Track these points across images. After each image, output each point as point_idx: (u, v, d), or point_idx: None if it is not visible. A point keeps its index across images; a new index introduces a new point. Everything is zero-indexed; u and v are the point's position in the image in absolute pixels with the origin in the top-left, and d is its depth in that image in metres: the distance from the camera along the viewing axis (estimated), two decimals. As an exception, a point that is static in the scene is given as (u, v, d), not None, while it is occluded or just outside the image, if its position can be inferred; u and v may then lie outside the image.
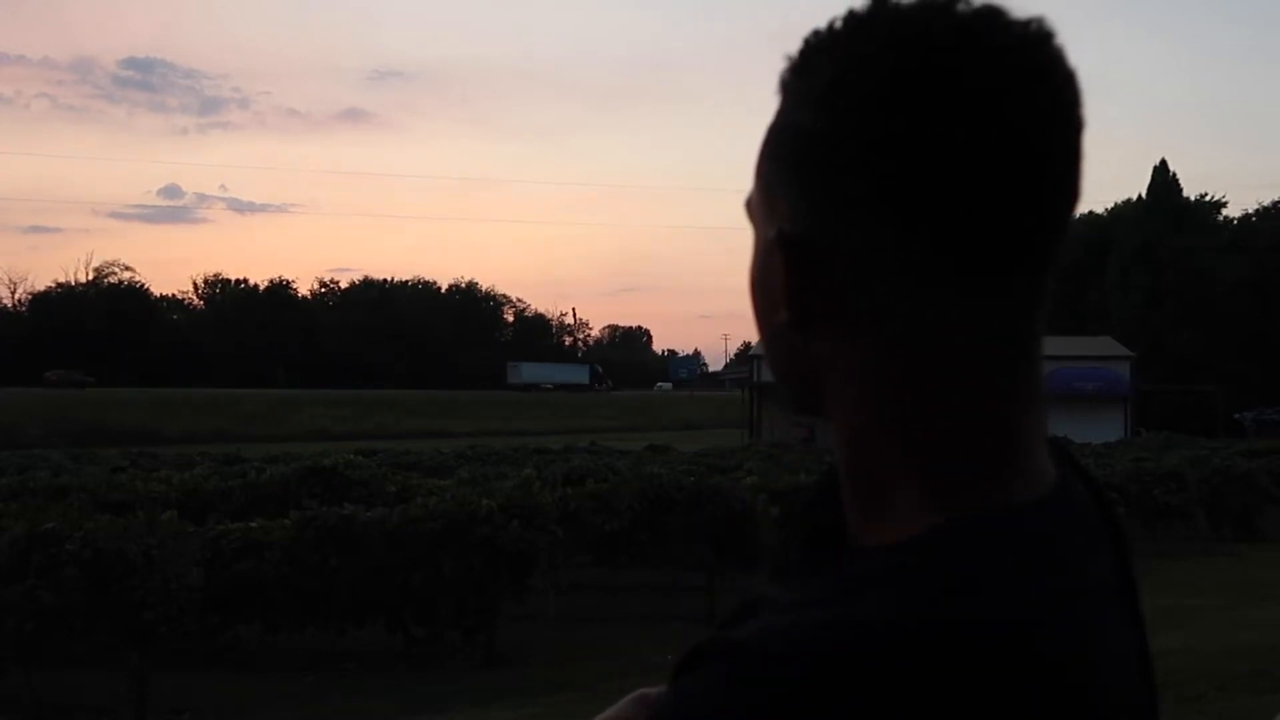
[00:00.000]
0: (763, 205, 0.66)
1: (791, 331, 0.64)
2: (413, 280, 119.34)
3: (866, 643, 0.53)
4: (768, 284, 0.65)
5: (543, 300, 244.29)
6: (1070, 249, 0.62)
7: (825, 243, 0.61)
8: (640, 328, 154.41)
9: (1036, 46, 0.60)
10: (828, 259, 0.61)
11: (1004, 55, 0.59)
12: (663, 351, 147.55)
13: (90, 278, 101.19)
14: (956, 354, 0.61)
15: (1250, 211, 61.00)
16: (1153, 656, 0.66)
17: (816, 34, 0.63)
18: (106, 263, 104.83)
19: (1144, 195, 57.77)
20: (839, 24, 0.62)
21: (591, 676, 8.09)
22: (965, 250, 0.59)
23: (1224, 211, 60.71)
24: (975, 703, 0.53)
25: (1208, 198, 60.35)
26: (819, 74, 0.61)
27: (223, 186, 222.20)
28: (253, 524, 8.88)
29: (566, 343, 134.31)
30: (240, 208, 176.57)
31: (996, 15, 0.59)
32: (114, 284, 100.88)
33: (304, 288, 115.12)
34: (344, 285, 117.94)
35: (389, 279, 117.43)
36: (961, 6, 0.59)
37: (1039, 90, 0.59)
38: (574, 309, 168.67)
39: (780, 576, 0.76)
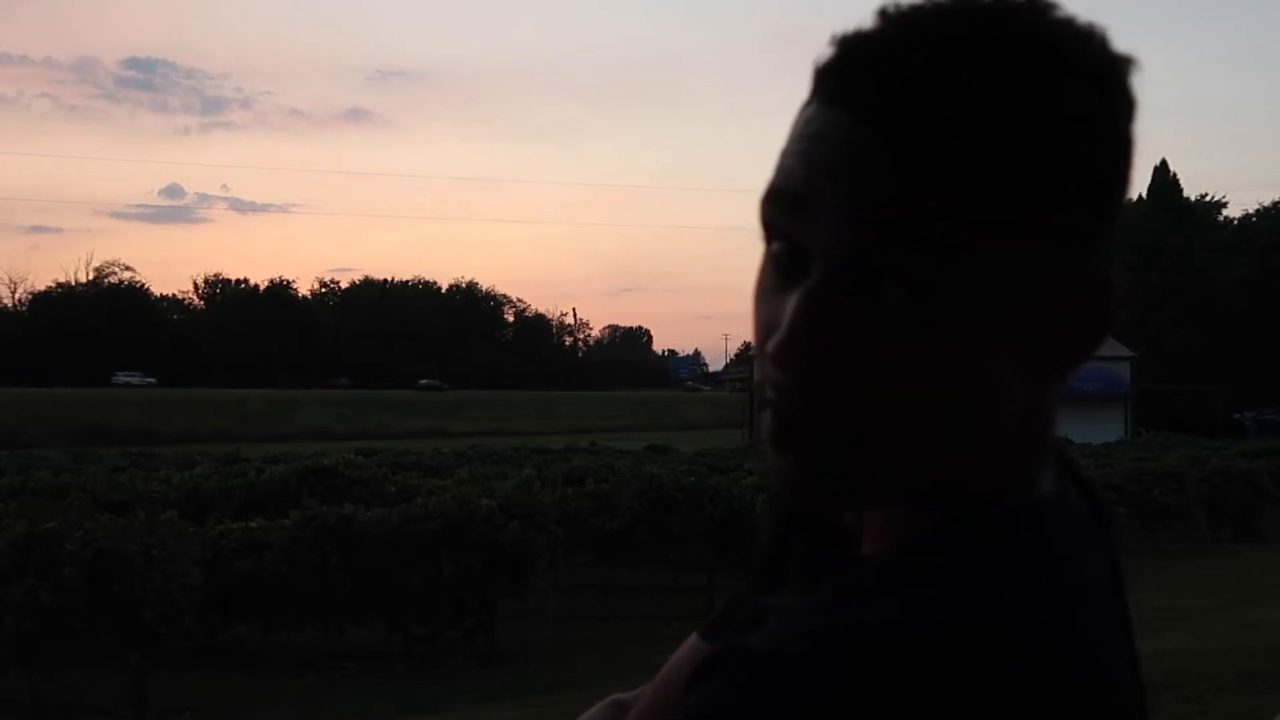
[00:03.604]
0: (1000, 244, 0.57)
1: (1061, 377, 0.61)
2: (413, 280, 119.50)
3: (885, 646, 0.53)
4: (1031, 325, 0.59)
5: (543, 300, 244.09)
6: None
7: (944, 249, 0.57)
8: (640, 328, 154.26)
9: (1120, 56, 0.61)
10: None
11: (1107, 54, 0.60)
12: (663, 351, 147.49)
13: (91, 277, 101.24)
14: (1027, 369, 0.60)
15: (1250, 211, 61.03)
16: (1140, 657, 0.66)
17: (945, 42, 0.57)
18: (107, 262, 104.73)
19: (1144, 195, 57.82)
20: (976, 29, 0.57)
21: (591, 676, 8.08)
22: (1071, 255, 0.60)
23: (1224, 211, 60.78)
24: (992, 704, 0.53)
25: (1208, 198, 60.41)
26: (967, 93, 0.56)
27: (224, 186, 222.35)
28: (253, 524, 8.89)
29: (567, 343, 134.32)
30: (241, 208, 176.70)
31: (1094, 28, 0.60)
32: (114, 284, 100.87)
33: (304, 288, 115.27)
34: (344, 285, 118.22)
35: (389, 279, 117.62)
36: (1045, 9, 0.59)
37: (1122, 83, 0.60)
38: (574, 309, 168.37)
39: (773, 579, 0.76)
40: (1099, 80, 0.58)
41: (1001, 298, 0.57)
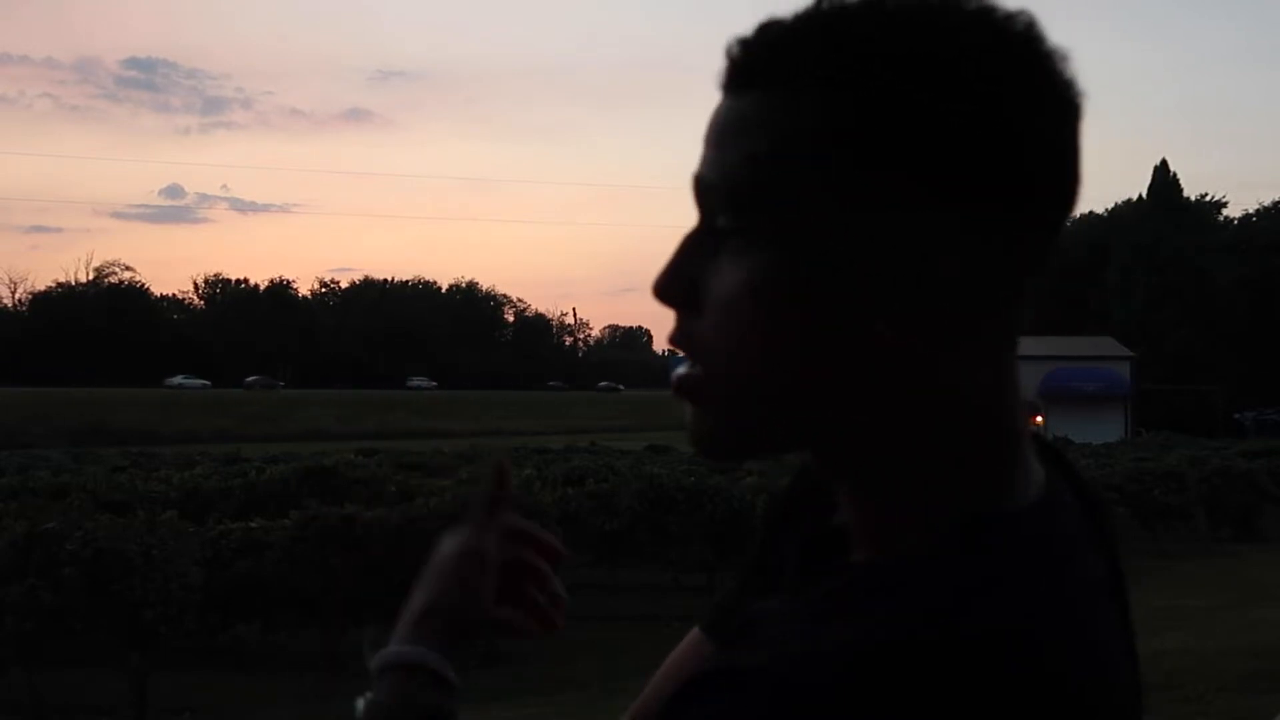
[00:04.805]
0: (786, 208, 0.60)
1: (898, 345, 0.59)
2: (413, 280, 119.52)
3: (885, 664, 0.52)
4: (833, 292, 0.59)
5: (543, 300, 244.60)
6: (1070, 249, 0.61)
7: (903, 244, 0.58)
8: (640, 328, 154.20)
9: (1036, 31, 0.60)
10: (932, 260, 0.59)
11: (1012, 40, 0.59)
12: (663, 351, 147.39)
13: (91, 277, 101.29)
14: (967, 354, 0.60)
15: (1250, 211, 61.12)
16: (1139, 656, 0.66)
17: (811, 37, 0.60)
18: (107, 263, 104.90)
19: (1144, 195, 57.87)
20: (839, 20, 0.59)
21: (591, 676, 8.08)
22: (987, 243, 0.58)
23: (1224, 211, 60.85)
24: (991, 712, 0.53)
25: (1208, 198, 60.48)
26: (837, 73, 0.58)
27: (225, 186, 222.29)
28: (253, 524, 8.88)
29: (567, 343, 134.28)
30: (242, 208, 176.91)
31: (992, 10, 0.59)
32: (114, 284, 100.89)
33: (304, 288, 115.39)
34: (344, 285, 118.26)
35: (389, 279, 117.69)
36: (958, 3, 0.59)
37: (1044, 73, 0.59)
38: (574, 309, 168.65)
39: (764, 580, 0.76)
40: (917, 41, 0.58)
41: (831, 268, 0.59)
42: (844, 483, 0.64)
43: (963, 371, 0.60)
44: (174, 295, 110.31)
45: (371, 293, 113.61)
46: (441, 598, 0.82)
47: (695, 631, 0.88)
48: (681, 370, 0.63)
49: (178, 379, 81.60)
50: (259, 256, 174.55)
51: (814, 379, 0.60)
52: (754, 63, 0.61)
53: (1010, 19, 0.59)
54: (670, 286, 0.63)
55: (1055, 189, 0.60)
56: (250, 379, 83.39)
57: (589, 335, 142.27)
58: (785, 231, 0.59)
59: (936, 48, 0.58)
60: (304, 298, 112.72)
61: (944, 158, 0.57)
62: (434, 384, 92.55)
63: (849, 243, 0.58)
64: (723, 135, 0.62)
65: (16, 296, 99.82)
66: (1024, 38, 0.59)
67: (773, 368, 0.60)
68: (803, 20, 0.60)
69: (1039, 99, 0.59)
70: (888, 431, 0.60)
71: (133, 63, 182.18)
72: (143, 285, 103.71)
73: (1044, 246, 0.61)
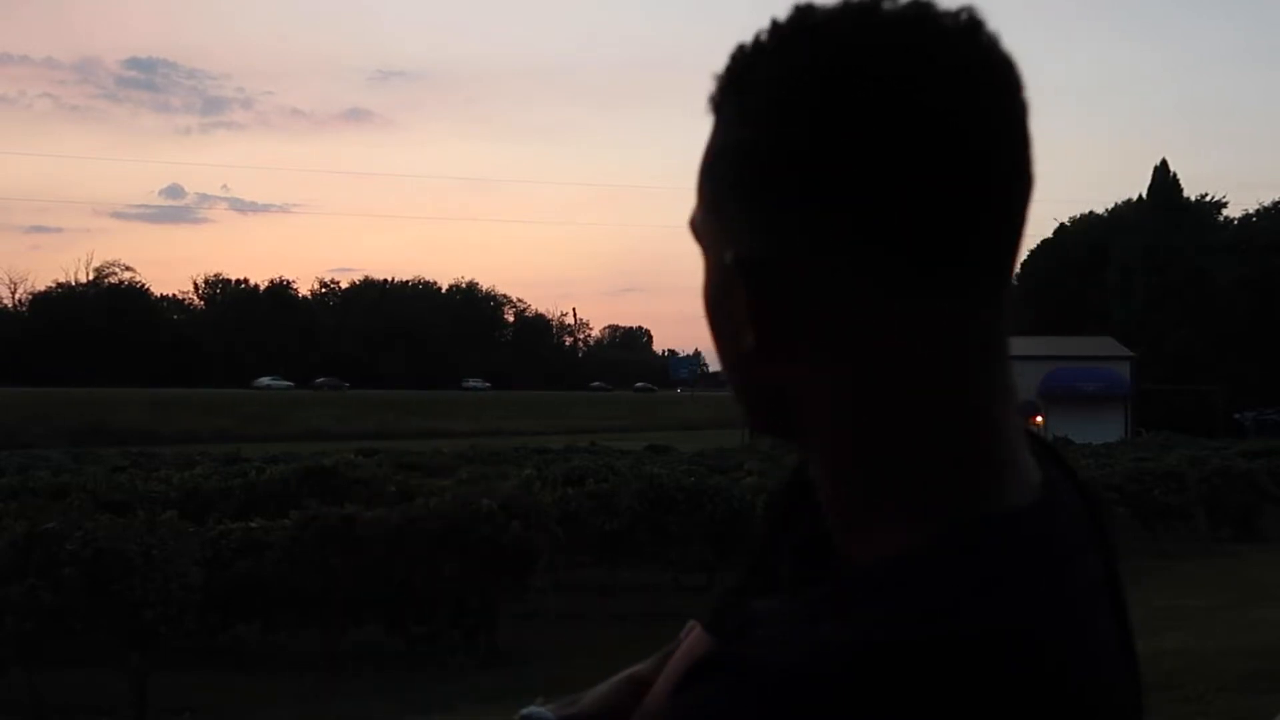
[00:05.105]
0: (711, 227, 0.64)
1: (759, 357, 0.61)
2: (413, 280, 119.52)
3: (884, 664, 0.52)
4: (725, 309, 0.63)
5: (543, 300, 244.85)
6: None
7: (785, 262, 0.59)
8: (640, 328, 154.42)
9: (967, 37, 0.59)
10: (790, 279, 0.59)
11: (935, 50, 0.58)
12: (663, 351, 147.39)
13: (91, 278, 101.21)
14: (935, 361, 0.59)
15: (1250, 211, 61.03)
16: (1139, 655, 0.66)
17: (744, 49, 0.62)
18: (107, 263, 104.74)
19: (1144, 195, 57.83)
20: (767, 36, 0.61)
21: (591, 676, 8.05)
22: (926, 253, 0.58)
23: (1224, 211, 60.79)
24: (992, 714, 0.53)
25: (1208, 198, 60.43)
26: (754, 90, 0.60)
27: (225, 186, 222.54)
28: (253, 524, 8.88)
29: (567, 343, 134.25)
30: (242, 208, 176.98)
31: (924, 10, 0.59)
32: (114, 284, 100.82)
33: (304, 288, 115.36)
34: (344, 285, 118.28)
35: (389, 279, 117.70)
36: (887, 5, 0.59)
37: (974, 81, 0.58)
38: (574, 309, 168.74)
39: (763, 581, 0.76)
40: (817, 63, 0.59)
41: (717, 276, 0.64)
42: (833, 482, 0.64)
43: (946, 371, 0.60)
44: (174, 295, 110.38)
45: (371, 293, 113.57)
46: (600, 696, 0.97)
47: (696, 626, 0.89)
48: None
49: (265, 380, 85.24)
50: (259, 256, 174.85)
51: (761, 378, 0.63)
52: (716, 92, 0.65)
53: (945, 24, 0.58)
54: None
55: (1004, 186, 0.59)
56: (319, 380, 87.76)
57: (589, 335, 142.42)
58: (712, 243, 0.64)
59: (863, 67, 0.58)
60: (304, 298, 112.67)
61: (878, 176, 0.57)
62: (488, 385, 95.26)
63: (770, 250, 0.60)
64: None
65: (16, 296, 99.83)
66: (956, 40, 0.58)
67: (726, 367, 0.66)
68: (748, 50, 0.63)
69: (974, 103, 0.58)
70: (872, 432, 0.60)
71: (133, 63, 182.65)
72: (143, 285, 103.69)
73: (1012, 241, 0.60)
